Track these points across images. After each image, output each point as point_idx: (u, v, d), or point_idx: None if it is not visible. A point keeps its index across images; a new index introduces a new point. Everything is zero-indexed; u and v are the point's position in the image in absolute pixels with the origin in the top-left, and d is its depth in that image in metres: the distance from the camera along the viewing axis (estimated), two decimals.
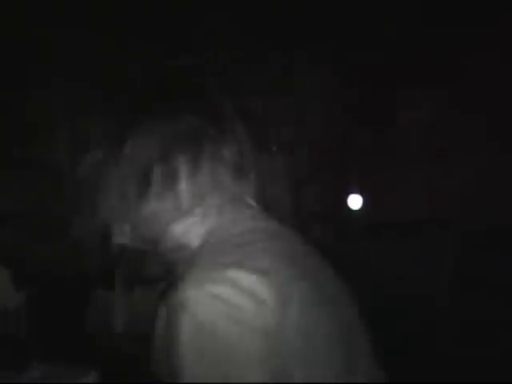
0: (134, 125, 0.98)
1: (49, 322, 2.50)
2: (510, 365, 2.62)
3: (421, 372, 2.75)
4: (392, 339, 2.95)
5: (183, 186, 0.97)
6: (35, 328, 2.36)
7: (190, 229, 1.01)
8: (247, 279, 0.87)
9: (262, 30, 3.14)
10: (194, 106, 1.01)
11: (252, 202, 1.08)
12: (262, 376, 0.86)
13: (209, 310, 0.86)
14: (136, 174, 0.96)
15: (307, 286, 0.93)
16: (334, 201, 3.65)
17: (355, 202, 3.58)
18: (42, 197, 2.60)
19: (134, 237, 1.06)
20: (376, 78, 3.37)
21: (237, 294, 0.86)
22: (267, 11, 3.12)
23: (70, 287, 2.68)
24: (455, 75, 3.25)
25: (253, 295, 0.86)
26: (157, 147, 0.96)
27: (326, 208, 3.62)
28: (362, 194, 3.58)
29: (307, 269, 0.98)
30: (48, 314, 2.53)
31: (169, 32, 3.05)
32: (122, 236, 1.04)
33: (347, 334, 1.00)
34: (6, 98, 2.79)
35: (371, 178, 3.52)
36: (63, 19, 2.80)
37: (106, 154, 0.99)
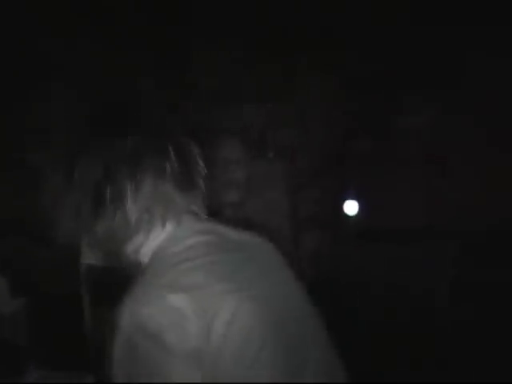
0: (81, 151, 1.04)
1: (46, 327, 2.50)
2: (509, 367, 2.63)
3: (420, 376, 2.76)
4: (388, 343, 2.96)
5: (129, 203, 1.01)
6: (32, 333, 2.36)
7: (138, 248, 1.07)
8: (174, 298, 0.92)
9: (263, 35, 3.15)
10: (133, 127, 1.06)
11: (200, 213, 1.11)
12: None
13: (135, 331, 0.91)
14: (88, 197, 1.02)
15: (242, 297, 0.97)
16: (333, 207, 3.65)
17: (353, 208, 3.59)
18: (39, 201, 2.59)
19: (97, 256, 1.10)
20: (376, 84, 3.37)
21: (162, 314, 0.91)
22: (268, 17, 3.13)
23: (67, 293, 2.68)
24: (454, 81, 3.26)
25: (178, 313, 0.91)
26: (102, 170, 1.01)
27: (324, 214, 3.62)
28: (360, 200, 3.58)
29: (250, 279, 1.02)
30: (45, 320, 2.53)
31: (168, 42, 3.07)
32: (89, 255, 1.09)
33: (293, 341, 1.02)
34: (5, 103, 2.79)
35: (370, 184, 3.52)
36: (62, 27, 2.81)
37: (62, 181, 1.05)
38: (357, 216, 3.58)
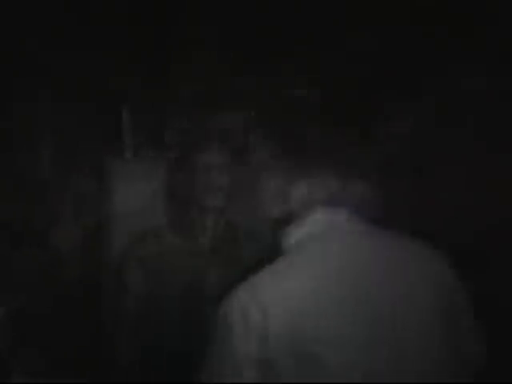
0: None
1: (31, 334, 2.47)
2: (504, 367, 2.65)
3: None
4: None
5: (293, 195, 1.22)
6: (16, 340, 2.33)
7: (288, 238, 1.19)
8: (255, 308, 1.00)
9: (246, 41, 3.15)
10: None
11: (356, 215, 1.25)
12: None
13: (226, 311, 1.04)
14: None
15: (315, 319, 1.02)
16: None
17: None
18: (24, 205, 2.57)
19: None
20: (359, 89, 3.39)
21: (236, 314, 1.01)
22: (249, 24, 3.15)
23: (51, 297, 2.64)
24: (439, 87, 3.29)
25: (251, 323, 1.00)
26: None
27: None
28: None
29: (339, 302, 1.06)
30: (30, 326, 2.49)
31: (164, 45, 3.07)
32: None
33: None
34: None
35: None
36: (52, 32, 2.79)
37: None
38: None
